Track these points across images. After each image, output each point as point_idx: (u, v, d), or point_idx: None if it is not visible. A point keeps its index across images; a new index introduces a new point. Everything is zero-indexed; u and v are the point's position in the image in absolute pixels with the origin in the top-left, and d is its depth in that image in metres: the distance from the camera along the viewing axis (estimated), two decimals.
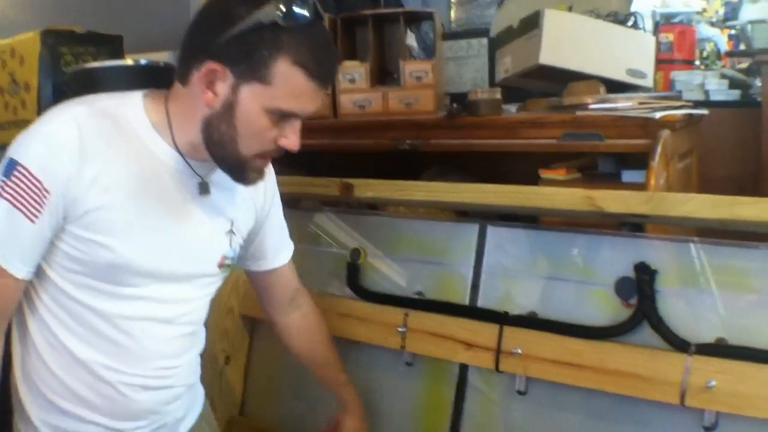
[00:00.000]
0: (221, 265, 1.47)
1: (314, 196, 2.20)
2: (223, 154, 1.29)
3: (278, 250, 1.68)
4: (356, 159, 2.48)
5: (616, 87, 2.29)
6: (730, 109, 2.73)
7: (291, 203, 2.34)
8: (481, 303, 1.88)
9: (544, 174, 2.20)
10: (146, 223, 1.31)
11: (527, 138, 2.15)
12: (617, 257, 1.69)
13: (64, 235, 1.27)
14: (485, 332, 1.78)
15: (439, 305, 1.90)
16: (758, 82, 2.76)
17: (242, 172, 1.32)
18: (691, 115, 2.15)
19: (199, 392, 1.62)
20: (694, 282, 1.60)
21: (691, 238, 1.65)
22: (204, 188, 1.37)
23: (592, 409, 1.71)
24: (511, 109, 2.42)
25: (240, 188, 1.44)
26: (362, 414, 1.83)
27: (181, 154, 1.33)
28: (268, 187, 1.57)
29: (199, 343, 1.54)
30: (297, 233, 2.17)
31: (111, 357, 1.35)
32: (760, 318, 1.53)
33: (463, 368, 1.89)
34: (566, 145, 2.07)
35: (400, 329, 1.90)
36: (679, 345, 1.56)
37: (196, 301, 1.46)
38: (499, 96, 2.31)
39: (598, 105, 2.07)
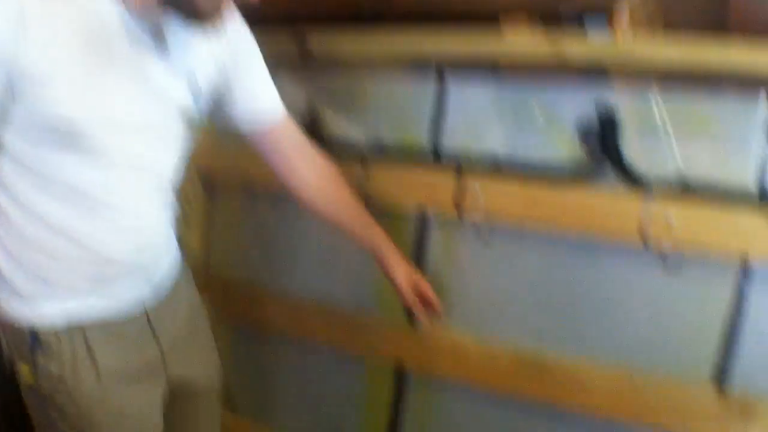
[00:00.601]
0: (184, 118, 1.42)
1: (270, 55, 2.13)
2: (178, 3, 1.21)
3: (262, 107, 1.60)
4: (311, 13, 2.37)
5: None
6: None
7: None
8: (441, 151, 1.88)
9: (505, 20, 2.15)
10: (97, 80, 1.24)
11: None
12: (580, 102, 1.69)
13: (14, 103, 1.21)
14: (446, 180, 1.79)
15: (399, 155, 1.90)
16: None
17: (197, 13, 1.23)
18: None
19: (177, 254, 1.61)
20: (656, 126, 1.61)
21: (654, 82, 1.64)
22: (158, 43, 1.30)
23: (555, 255, 1.75)
24: None
25: (195, 41, 1.38)
26: (406, 259, 1.75)
27: (126, 10, 1.24)
28: (231, 39, 1.48)
29: (170, 205, 1.52)
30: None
31: (86, 221, 1.32)
32: (721, 159, 1.56)
33: (425, 218, 1.91)
34: None
35: (359, 177, 1.89)
36: (641, 185, 1.59)
37: (162, 156, 1.42)
38: None
39: None
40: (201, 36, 1.34)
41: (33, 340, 1.35)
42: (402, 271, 1.72)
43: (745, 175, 1.53)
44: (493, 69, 1.89)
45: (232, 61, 1.51)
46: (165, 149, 1.41)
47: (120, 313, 1.43)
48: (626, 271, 1.67)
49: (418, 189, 1.84)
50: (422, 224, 1.92)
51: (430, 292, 1.73)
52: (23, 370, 1.38)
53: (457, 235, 1.87)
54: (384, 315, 2.01)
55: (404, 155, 1.90)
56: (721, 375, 1.60)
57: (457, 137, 1.85)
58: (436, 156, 1.88)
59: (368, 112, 1.98)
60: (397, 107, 1.93)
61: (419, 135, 1.90)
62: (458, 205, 1.78)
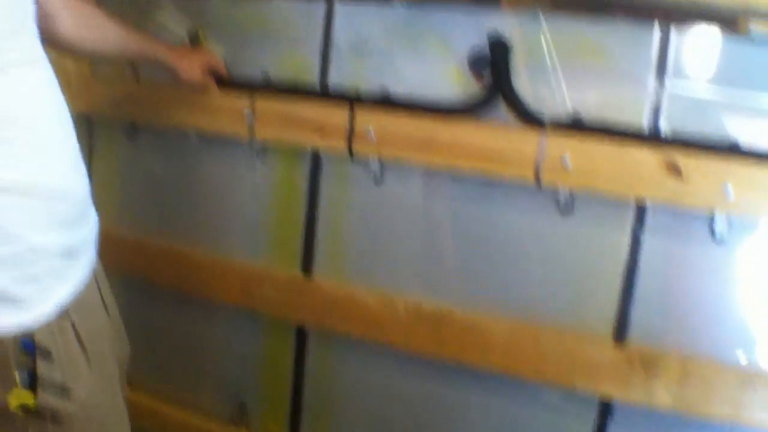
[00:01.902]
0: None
1: None
2: None
3: None
4: None
5: None
6: None
7: None
8: (330, 83, 1.77)
9: None
10: None
11: None
12: (470, 32, 1.59)
13: None
14: (336, 113, 1.69)
15: (286, 87, 1.79)
16: None
17: None
18: None
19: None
20: (550, 56, 1.53)
21: (544, 9, 1.55)
22: None
23: (447, 193, 1.68)
24: None
25: None
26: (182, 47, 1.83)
27: None
28: None
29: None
30: (130, 20, 1.99)
31: (26, 155, 1.16)
32: (615, 95, 1.49)
33: (317, 158, 1.82)
34: None
35: (246, 115, 1.77)
36: (534, 121, 1.52)
37: (32, 40, 1.23)
38: None
39: None
40: None
41: (29, 347, 1.17)
42: (189, 66, 1.75)
43: (638, 112, 1.47)
44: None
45: None
46: (29, 31, 1.23)
47: (84, 277, 1.28)
48: (521, 213, 1.61)
49: (308, 125, 1.73)
50: (314, 163, 1.82)
51: (214, 60, 1.82)
52: (17, 398, 1.19)
53: (349, 174, 1.78)
54: (278, 267, 1.90)
55: (292, 88, 1.79)
56: (621, 326, 1.56)
57: (347, 68, 1.75)
58: (325, 89, 1.77)
59: (253, 40, 1.85)
60: (284, 34, 1.81)
61: (307, 66, 1.79)
62: (349, 142, 1.67)
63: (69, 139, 1.27)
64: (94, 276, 1.34)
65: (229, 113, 1.80)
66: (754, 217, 1.41)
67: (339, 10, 1.75)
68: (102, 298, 1.37)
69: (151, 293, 2.12)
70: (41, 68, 1.23)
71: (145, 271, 2.09)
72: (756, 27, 1.37)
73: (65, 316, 1.21)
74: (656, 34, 1.45)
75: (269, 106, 1.77)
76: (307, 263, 1.86)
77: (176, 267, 2.03)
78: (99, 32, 1.55)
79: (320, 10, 1.76)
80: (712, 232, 1.44)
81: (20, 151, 1.15)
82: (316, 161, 1.82)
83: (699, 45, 1.44)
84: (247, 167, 1.91)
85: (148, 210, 2.12)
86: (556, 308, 1.61)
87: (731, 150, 1.38)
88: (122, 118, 2.06)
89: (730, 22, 1.42)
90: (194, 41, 1.89)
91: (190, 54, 1.80)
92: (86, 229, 1.30)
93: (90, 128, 2.13)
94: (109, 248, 1.40)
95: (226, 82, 1.83)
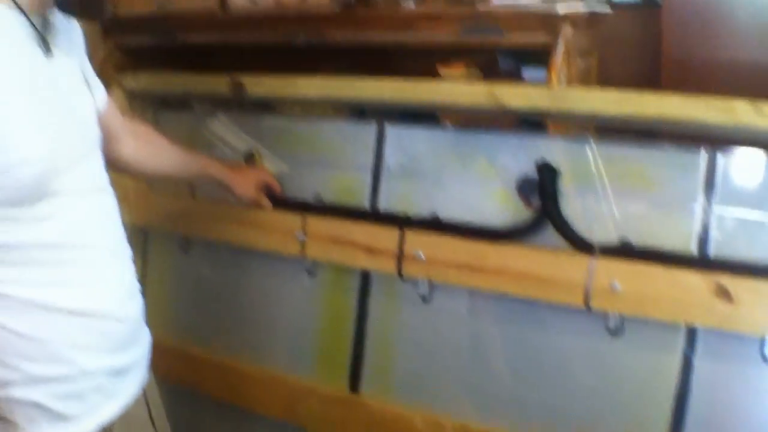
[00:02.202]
0: (92, 116, 1.30)
1: (204, 96, 2.07)
2: None
3: (100, 89, 1.43)
4: (250, 58, 2.33)
5: None
6: (631, 10, 2.69)
7: (182, 107, 2.23)
8: (381, 206, 1.81)
9: (443, 70, 2.12)
10: (35, 111, 1.09)
11: (426, 31, 2.05)
12: (519, 157, 1.64)
13: None
14: (386, 236, 1.72)
15: (338, 209, 1.83)
16: None
17: (100, 3, 1.21)
18: (593, 12, 2.09)
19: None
20: (597, 182, 1.56)
21: (593, 136, 1.61)
22: (47, 45, 1.15)
23: (496, 313, 1.69)
24: (409, 3, 2.31)
25: (69, 35, 1.27)
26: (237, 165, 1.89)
27: (24, 13, 1.11)
28: (73, 25, 1.34)
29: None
30: (188, 137, 2.08)
31: (81, 280, 1.19)
32: (662, 219, 1.51)
33: (366, 275, 1.84)
34: (466, 41, 1.98)
35: (298, 235, 1.82)
36: (583, 246, 1.53)
37: (99, 166, 1.29)
38: None
39: None
40: (66, 27, 1.26)
41: None
42: (243, 183, 1.81)
43: (686, 235, 1.49)
44: (432, 117, 1.84)
45: (81, 47, 1.37)
46: (97, 157, 1.29)
47: (133, 394, 1.31)
48: (570, 334, 1.60)
49: (358, 246, 1.77)
50: (363, 280, 1.85)
51: (268, 178, 1.87)
52: None
53: (399, 293, 1.80)
54: (325, 383, 1.91)
55: (343, 209, 1.83)
56: None
57: (397, 190, 1.80)
58: (375, 210, 1.82)
59: (305, 160, 1.92)
60: (336, 155, 1.88)
61: (358, 186, 1.84)
62: (399, 264, 1.70)
63: (127, 264, 1.32)
64: (144, 392, 1.35)
65: (281, 232, 1.85)
66: None
67: (389, 132, 1.81)
68: (150, 413, 1.39)
69: (196, 402, 2.13)
70: (106, 195, 1.29)
71: (191, 380, 2.11)
72: None
73: None
74: (703, 158, 1.47)
75: (320, 227, 1.81)
76: (354, 380, 1.87)
77: (223, 377, 2.05)
78: (158, 155, 1.63)
79: (371, 132, 1.83)
80: (763, 354, 1.43)
81: (79, 274, 1.18)
82: (365, 278, 1.84)
83: (745, 169, 1.46)
84: (297, 282, 1.94)
85: (198, 320, 2.15)
86: (604, 429, 1.59)
87: None
88: (177, 231, 2.11)
89: None
90: (249, 160, 1.95)
91: (245, 171, 1.86)
92: (138, 349, 1.32)
93: (145, 239, 2.20)
94: (156, 356, 1.42)
95: (279, 200, 1.88)
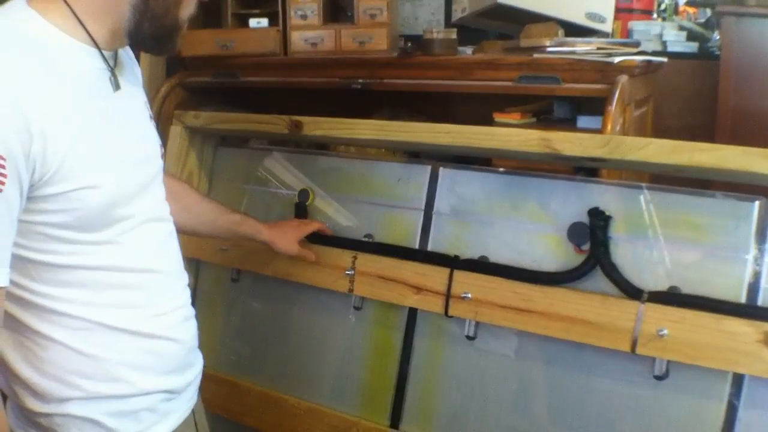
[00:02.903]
0: (162, 156, 1.35)
1: (262, 134, 2.13)
2: (161, 24, 1.16)
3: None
4: (307, 99, 2.40)
5: (573, 30, 2.24)
6: (687, 61, 2.70)
7: (239, 142, 2.29)
8: (431, 246, 1.83)
9: (498, 117, 2.16)
10: (104, 142, 1.14)
11: (482, 79, 2.10)
12: (571, 202, 1.66)
13: (36, 203, 1.07)
14: (435, 276, 1.74)
15: (388, 248, 1.85)
16: (716, 35, 2.74)
17: (175, 39, 1.21)
18: (649, 62, 2.12)
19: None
20: (648, 229, 1.57)
21: (646, 184, 1.62)
22: (116, 82, 1.20)
23: (541, 355, 1.69)
24: (467, 50, 2.36)
25: (132, 69, 1.32)
26: (275, 222, 1.89)
27: (99, 49, 1.16)
28: (136, 61, 1.39)
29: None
30: (245, 174, 2.13)
31: (143, 302, 1.24)
32: (712, 267, 1.51)
33: (412, 313, 1.85)
34: (522, 88, 2.02)
35: (348, 272, 1.85)
36: (632, 292, 1.54)
37: (162, 196, 1.33)
38: (454, 36, 2.25)
39: (555, 48, 2.02)
40: (131, 62, 1.32)
41: None
42: (282, 239, 1.83)
43: (736, 284, 1.48)
44: (486, 164, 1.87)
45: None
46: (160, 187, 1.33)
47: (183, 416, 1.34)
48: (615, 377, 1.60)
49: (407, 285, 1.79)
50: (410, 317, 1.86)
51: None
52: None
53: (444, 331, 1.81)
54: (367, 419, 1.90)
55: (393, 248, 1.85)
56: None
57: (447, 230, 1.82)
58: (425, 250, 1.83)
59: (358, 199, 1.95)
60: (389, 194, 1.91)
61: (409, 226, 1.86)
62: (446, 304, 1.72)
63: (184, 289, 1.36)
64: (193, 414, 1.38)
65: (331, 270, 1.88)
66: None
67: (442, 173, 1.84)
68: None
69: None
70: (167, 224, 1.34)
71: (235, 410, 2.12)
72: None
73: None
74: (757, 208, 1.48)
75: (370, 265, 1.84)
76: (396, 416, 1.87)
77: (266, 409, 2.05)
78: (197, 218, 1.68)
79: (425, 172, 1.86)
80: None
81: (140, 297, 1.23)
82: (411, 315, 1.86)
83: None
84: (344, 317, 1.96)
85: (244, 350, 2.17)
86: None
87: None
88: (228, 265, 2.16)
89: None
90: (303, 199, 1.99)
91: (283, 227, 1.87)
92: (191, 372, 1.36)
93: (197, 268, 2.24)
94: (203, 384, 1.45)
95: (330, 239, 1.92)
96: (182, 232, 1.50)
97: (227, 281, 2.19)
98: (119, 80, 1.21)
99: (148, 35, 1.18)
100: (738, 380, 1.47)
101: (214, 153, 2.23)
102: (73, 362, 1.17)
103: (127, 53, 1.31)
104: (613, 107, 1.81)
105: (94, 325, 1.17)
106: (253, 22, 2.53)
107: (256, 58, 2.51)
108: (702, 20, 3.18)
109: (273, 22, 2.53)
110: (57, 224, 1.10)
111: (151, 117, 1.34)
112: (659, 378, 1.52)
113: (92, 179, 1.10)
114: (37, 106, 1.03)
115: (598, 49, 1.99)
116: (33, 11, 1.10)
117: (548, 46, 2.02)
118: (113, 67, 1.20)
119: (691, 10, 3.52)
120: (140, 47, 1.26)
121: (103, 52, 1.17)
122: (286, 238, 1.84)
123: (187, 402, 1.36)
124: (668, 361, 1.51)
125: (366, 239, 1.91)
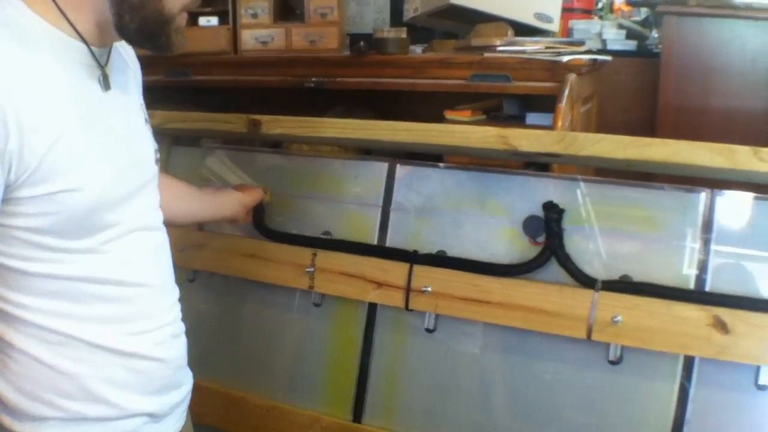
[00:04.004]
0: (156, 161, 1.28)
1: (219, 134, 2.13)
2: (143, 16, 1.07)
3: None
4: (259, 98, 2.41)
5: (522, 30, 2.31)
6: (627, 59, 2.80)
7: (191, 142, 2.29)
8: (390, 242, 1.87)
9: (449, 115, 2.21)
10: (89, 143, 1.07)
11: (435, 78, 2.14)
12: (525, 196, 1.72)
13: (13, 206, 1.02)
14: (395, 271, 1.78)
15: (348, 245, 1.88)
16: (655, 34, 2.85)
17: (168, 35, 1.10)
18: (594, 60, 2.19)
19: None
20: (600, 221, 1.64)
21: (598, 178, 1.70)
22: (106, 81, 1.13)
23: (500, 345, 1.74)
24: (417, 49, 2.40)
25: (129, 71, 1.25)
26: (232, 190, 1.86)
27: (86, 44, 1.08)
28: (135, 62, 1.33)
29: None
30: (199, 172, 2.14)
31: (127, 318, 1.17)
32: (662, 256, 1.59)
33: (372, 308, 1.89)
34: (474, 86, 2.07)
35: (308, 269, 1.87)
36: (586, 281, 1.60)
37: (154, 203, 1.27)
38: (405, 35, 2.28)
39: (506, 47, 2.08)
40: (128, 63, 1.25)
41: None
42: (231, 208, 1.81)
43: (685, 272, 1.57)
44: (438, 160, 1.91)
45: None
46: (152, 194, 1.26)
47: None
48: (571, 363, 1.66)
49: (367, 281, 1.82)
50: (370, 311, 1.89)
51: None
52: None
53: (404, 325, 1.85)
54: (329, 413, 1.93)
55: (353, 245, 1.88)
56: None
57: (406, 227, 1.85)
58: (384, 247, 1.87)
59: (316, 197, 1.98)
60: (346, 192, 1.94)
61: (368, 223, 1.90)
62: (407, 298, 1.76)
63: (174, 304, 1.29)
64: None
65: (290, 267, 1.89)
66: None
67: (400, 170, 1.88)
68: None
69: None
70: (159, 234, 1.26)
71: (197, 413, 2.08)
72: None
73: None
74: (702, 200, 1.57)
75: (330, 262, 1.86)
76: (358, 410, 1.90)
77: (229, 410, 2.06)
78: (189, 204, 1.66)
79: (382, 169, 1.89)
80: (757, 383, 1.50)
81: (125, 311, 1.16)
82: (371, 310, 1.89)
83: (741, 209, 1.56)
84: (303, 313, 1.98)
85: (204, 352, 2.15)
86: None
87: None
88: (186, 267, 2.15)
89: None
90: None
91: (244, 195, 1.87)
92: (177, 393, 1.29)
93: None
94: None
95: (290, 236, 1.94)
96: (173, 224, 1.41)
97: (184, 282, 2.18)
98: (111, 80, 1.14)
99: (132, 30, 1.09)
100: (689, 363, 1.55)
101: (168, 152, 2.22)
102: (49, 378, 1.10)
103: (126, 53, 1.26)
104: (564, 104, 1.87)
105: (72, 340, 1.10)
106: (203, 21, 2.54)
107: (207, 57, 2.52)
108: (638, 18, 3.29)
109: (223, 20, 2.54)
110: (35, 229, 1.03)
111: (146, 121, 1.27)
112: (614, 363, 1.59)
113: (74, 181, 1.03)
114: (16, 99, 0.96)
115: (547, 48, 2.05)
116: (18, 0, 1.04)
117: (499, 46, 2.07)
118: (104, 65, 1.13)
119: (625, 8, 3.64)
120: (132, 44, 1.20)
121: (93, 48, 1.09)
122: (238, 207, 1.84)
123: (173, 425, 1.29)
124: (622, 347, 1.58)
125: (324, 236, 1.93)
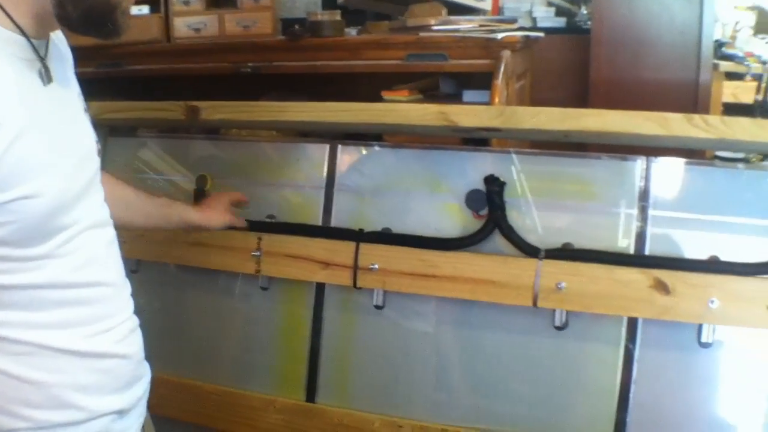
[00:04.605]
0: (98, 152, 1.22)
1: (156, 122, 2.11)
2: (88, 5, 1.01)
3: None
4: (194, 85, 2.39)
5: (456, 9, 2.34)
6: (558, 36, 2.86)
7: (127, 132, 2.25)
8: (334, 222, 1.89)
9: (387, 95, 2.23)
10: (41, 143, 1.02)
11: (371, 59, 2.15)
12: (466, 171, 1.75)
13: None
14: (342, 250, 1.79)
15: (293, 227, 1.89)
16: (584, 11, 2.91)
17: (115, 21, 1.05)
18: (527, 37, 2.24)
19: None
20: (540, 192, 1.69)
21: (537, 150, 1.74)
22: (48, 74, 1.08)
23: (448, 316, 1.78)
24: (351, 32, 2.41)
25: (65, 58, 1.19)
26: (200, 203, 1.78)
27: (26, 37, 1.03)
28: (67, 49, 1.25)
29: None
30: (137, 162, 2.11)
31: (89, 319, 1.14)
32: (603, 223, 1.65)
33: (320, 288, 1.90)
34: (411, 66, 2.09)
35: (254, 253, 1.87)
36: (529, 251, 1.64)
37: (101, 198, 1.22)
38: (339, 17, 2.29)
39: (441, 26, 2.10)
40: (63, 53, 1.19)
41: None
42: (214, 215, 1.73)
43: (625, 237, 1.63)
44: (377, 140, 1.93)
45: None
46: (98, 189, 1.22)
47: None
48: (519, 331, 1.71)
49: (314, 262, 1.83)
50: (318, 291, 1.91)
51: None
52: None
53: (353, 303, 1.87)
54: (283, 395, 1.95)
55: (298, 227, 1.89)
56: None
57: (350, 206, 1.88)
58: (330, 227, 1.89)
59: (258, 182, 1.98)
60: (289, 175, 1.95)
61: (312, 205, 1.91)
62: (354, 277, 1.77)
63: (128, 299, 1.26)
64: (143, 428, 1.32)
65: (236, 252, 1.89)
66: (737, 325, 1.54)
67: (341, 150, 1.89)
68: None
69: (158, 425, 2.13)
70: (108, 228, 1.22)
71: (151, 404, 2.08)
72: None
73: None
74: (638, 166, 1.63)
75: (276, 245, 1.86)
76: (311, 391, 1.92)
77: (183, 399, 2.04)
78: (135, 210, 1.57)
79: (323, 151, 1.90)
80: (700, 340, 1.56)
81: (83, 313, 1.13)
82: (319, 291, 1.90)
83: (676, 174, 1.63)
84: (251, 298, 1.98)
85: (153, 343, 2.11)
86: (556, 421, 1.70)
87: (712, 266, 1.53)
88: (129, 257, 2.11)
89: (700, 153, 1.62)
90: (202, 184, 1.98)
91: (209, 204, 1.77)
92: (139, 386, 1.27)
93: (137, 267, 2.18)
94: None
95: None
96: (122, 227, 1.35)
97: (127, 274, 2.16)
98: (51, 71, 1.08)
99: (75, 19, 1.03)
100: (633, 325, 1.61)
101: (104, 144, 2.19)
102: (16, 390, 1.07)
103: (59, 40, 1.19)
104: (500, 81, 1.91)
105: (35, 348, 1.07)
106: (134, 10, 2.50)
107: (139, 47, 2.48)
108: None
109: (155, 8, 2.51)
110: None
111: (86, 109, 1.20)
112: (560, 329, 1.64)
113: (31, 187, 0.99)
114: None
115: (481, 26, 2.09)
116: None
117: (434, 25, 2.10)
118: (44, 57, 1.07)
119: None
120: (75, 32, 1.11)
121: (33, 41, 1.04)
122: (217, 212, 1.74)
123: (137, 419, 1.28)
124: (567, 312, 1.63)
125: (269, 219, 1.93)
